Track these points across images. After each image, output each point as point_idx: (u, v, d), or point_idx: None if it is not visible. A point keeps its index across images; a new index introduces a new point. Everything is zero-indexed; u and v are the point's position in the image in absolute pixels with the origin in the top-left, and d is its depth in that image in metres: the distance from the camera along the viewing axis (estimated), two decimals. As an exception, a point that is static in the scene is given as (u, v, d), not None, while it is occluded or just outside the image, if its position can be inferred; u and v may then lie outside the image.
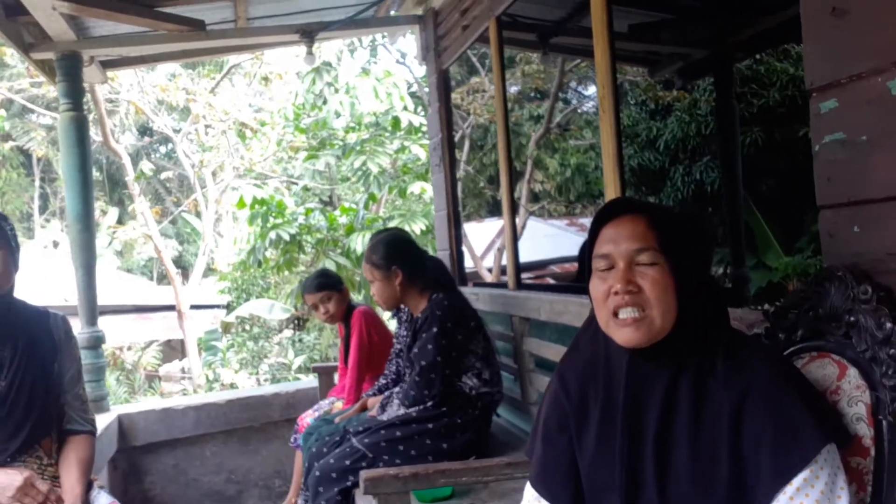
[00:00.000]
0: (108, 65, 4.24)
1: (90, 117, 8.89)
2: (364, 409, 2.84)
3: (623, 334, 1.17)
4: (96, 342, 3.60)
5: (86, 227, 3.58)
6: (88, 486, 2.11)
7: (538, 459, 1.35)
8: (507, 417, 2.87)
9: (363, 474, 1.78)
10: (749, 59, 6.94)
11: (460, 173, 8.67)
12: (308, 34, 3.85)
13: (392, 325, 3.59)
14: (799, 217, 6.06)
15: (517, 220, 8.72)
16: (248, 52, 7.26)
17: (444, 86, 3.96)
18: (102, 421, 3.44)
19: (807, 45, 1.42)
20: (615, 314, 1.18)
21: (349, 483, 2.31)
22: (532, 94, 10.62)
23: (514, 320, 2.92)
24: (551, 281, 9.84)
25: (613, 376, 1.25)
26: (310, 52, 3.96)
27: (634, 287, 1.16)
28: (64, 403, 2.13)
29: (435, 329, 2.44)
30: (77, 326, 3.60)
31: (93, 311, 3.61)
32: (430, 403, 2.44)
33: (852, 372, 1.26)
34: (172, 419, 3.70)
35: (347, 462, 2.37)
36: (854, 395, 1.24)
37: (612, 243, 1.20)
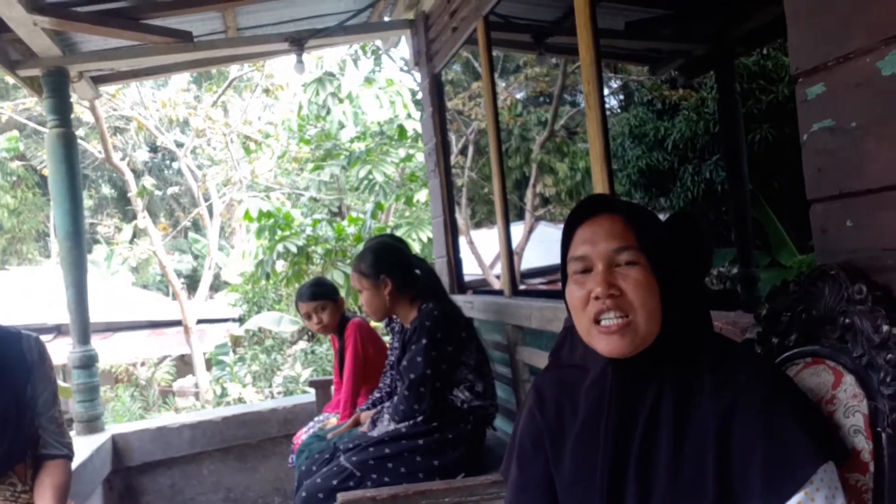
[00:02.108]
0: (99, 80, 4.21)
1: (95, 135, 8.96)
2: (357, 424, 2.75)
3: (607, 343, 1.08)
4: (89, 361, 3.54)
5: (76, 245, 3.52)
6: (64, 513, 2.03)
7: (513, 482, 1.26)
8: (504, 429, 2.77)
9: (340, 497, 1.69)
10: (756, 55, 6.82)
11: (464, 179, 8.58)
12: (297, 42, 3.79)
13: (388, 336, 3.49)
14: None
15: (525, 225, 8.61)
16: (239, 62, 7.23)
17: (436, 90, 3.87)
18: (96, 441, 3.38)
19: (791, 27, 1.32)
20: (597, 321, 1.09)
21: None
22: (541, 99, 10.54)
23: (507, 328, 2.82)
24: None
25: (593, 392, 1.16)
26: (300, 61, 3.89)
27: (616, 290, 1.07)
28: (38, 427, 2.06)
29: (424, 341, 2.35)
30: (69, 346, 3.56)
31: (85, 330, 3.55)
32: (420, 419, 2.35)
33: (848, 379, 1.15)
34: (167, 438, 3.63)
35: (335, 482, 2.27)
36: (851, 405, 1.13)
37: (589, 244, 1.11)
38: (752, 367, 1.08)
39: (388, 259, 2.54)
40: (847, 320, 1.16)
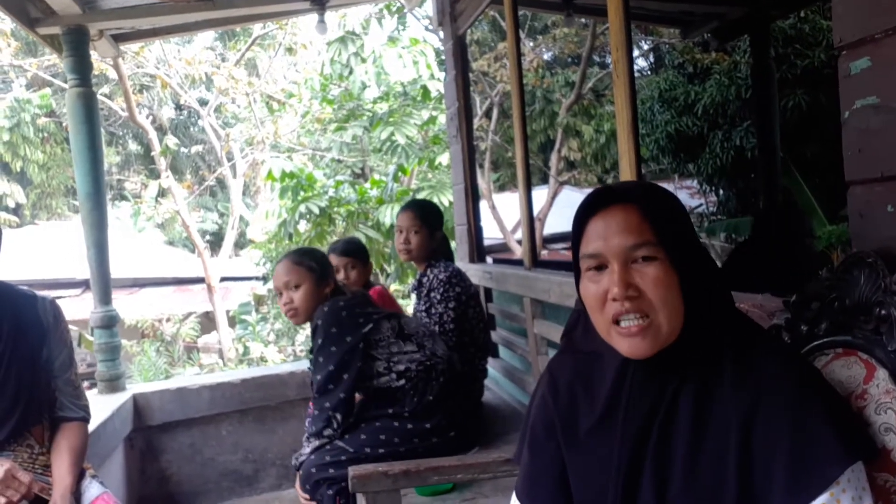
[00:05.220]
0: (120, 38, 4.16)
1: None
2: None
3: (628, 345, 1.03)
4: (110, 321, 3.57)
5: (96, 206, 3.52)
6: (81, 475, 2.05)
7: (524, 469, 1.24)
8: (517, 398, 2.75)
9: (351, 471, 1.68)
10: (793, 18, 6.57)
11: (487, 143, 8.46)
12: (319, 1, 3.70)
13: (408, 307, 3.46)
14: (844, 184, 5.74)
15: (549, 189, 8.48)
16: (260, 21, 7.10)
17: (460, 53, 3.77)
18: (117, 400, 3.43)
19: (835, -5, 1.24)
20: (616, 322, 1.03)
21: (343, 483, 2.19)
22: (568, 60, 10.31)
23: (525, 301, 2.77)
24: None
25: (609, 382, 1.12)
26: (321, 21, 3.81)
27: (634, 290, 1.01)
28: (55, 390, 2.07)
29: (321, 340, 2.27)
30: (90, 305, 3.59)
31: (106, 290, 3.57)
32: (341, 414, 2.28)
33: (882, 374, 1.09)
34: (187, 398, 3.66)
35: (328, 458, 2.25)
36: (883, 402, 1.08)
37: (602, 240, 1.04)
38: (778, 359, 1.03)
39: (323, 261, 2.45)
40: (883, 311, 1.10)
